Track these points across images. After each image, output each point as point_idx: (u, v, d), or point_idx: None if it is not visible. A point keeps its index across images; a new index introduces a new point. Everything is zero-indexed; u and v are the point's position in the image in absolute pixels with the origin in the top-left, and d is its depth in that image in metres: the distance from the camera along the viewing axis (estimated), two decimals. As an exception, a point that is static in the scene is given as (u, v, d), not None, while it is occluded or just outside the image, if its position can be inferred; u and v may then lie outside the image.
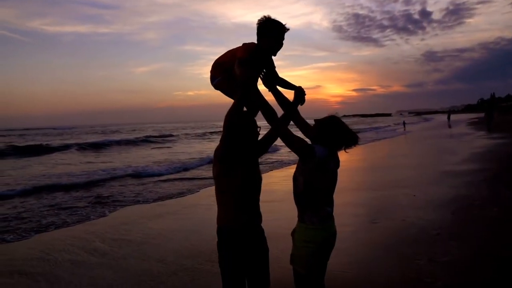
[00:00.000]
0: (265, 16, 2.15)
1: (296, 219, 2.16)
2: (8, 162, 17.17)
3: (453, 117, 56.04)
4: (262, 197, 2.17)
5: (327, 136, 2.11)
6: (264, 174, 10.51)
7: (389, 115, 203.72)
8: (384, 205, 6.20)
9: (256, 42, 2.18)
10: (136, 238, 5.08)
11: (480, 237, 4.30)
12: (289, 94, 2.31)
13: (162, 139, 33.00)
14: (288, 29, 2.16)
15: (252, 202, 2.10)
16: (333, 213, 2.16)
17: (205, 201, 7.26)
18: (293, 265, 2.15)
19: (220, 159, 2.00)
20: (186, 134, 41.88)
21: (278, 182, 9.14)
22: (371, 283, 3.33)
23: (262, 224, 2.20)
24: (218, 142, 2.06)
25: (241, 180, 2.00)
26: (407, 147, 19.07)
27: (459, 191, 6.76)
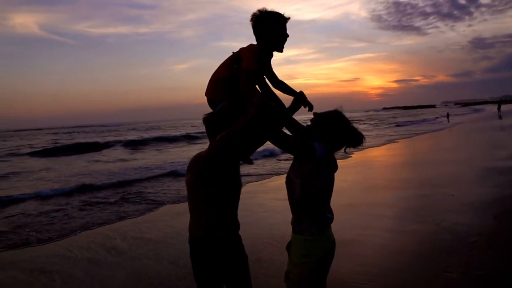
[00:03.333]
0: (259, 10, 1.90)
1: None
2: (57, 160, 18.16)
3: (505, 107, 51.88)
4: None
5: (328, 133, 1.84)
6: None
7: (433, 106, 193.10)
8: (418, 206, 5.71)
9: (255, 43, 1.95)
10: (155, 237, 5.04)
11: (526, 247, 3.79)
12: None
13: (202, 134, 33.67)
14: (289, 18, 1.92)
15: (230, 212, 1.90)
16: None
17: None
18: (288, 283, 1.91)
19: (199, 172, 1.79)
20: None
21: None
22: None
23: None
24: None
25: (220, 189, 1.80)
26: (450, 140, 17.86)
27: (504, 191, 6.08)
